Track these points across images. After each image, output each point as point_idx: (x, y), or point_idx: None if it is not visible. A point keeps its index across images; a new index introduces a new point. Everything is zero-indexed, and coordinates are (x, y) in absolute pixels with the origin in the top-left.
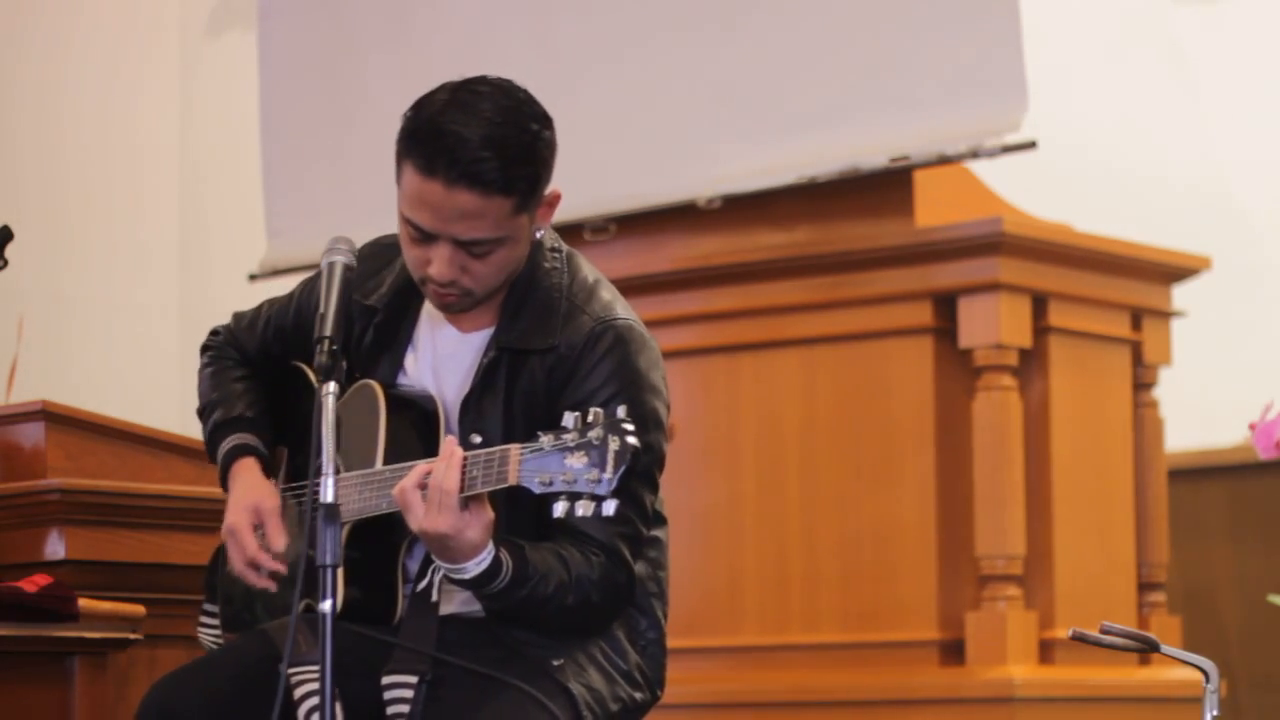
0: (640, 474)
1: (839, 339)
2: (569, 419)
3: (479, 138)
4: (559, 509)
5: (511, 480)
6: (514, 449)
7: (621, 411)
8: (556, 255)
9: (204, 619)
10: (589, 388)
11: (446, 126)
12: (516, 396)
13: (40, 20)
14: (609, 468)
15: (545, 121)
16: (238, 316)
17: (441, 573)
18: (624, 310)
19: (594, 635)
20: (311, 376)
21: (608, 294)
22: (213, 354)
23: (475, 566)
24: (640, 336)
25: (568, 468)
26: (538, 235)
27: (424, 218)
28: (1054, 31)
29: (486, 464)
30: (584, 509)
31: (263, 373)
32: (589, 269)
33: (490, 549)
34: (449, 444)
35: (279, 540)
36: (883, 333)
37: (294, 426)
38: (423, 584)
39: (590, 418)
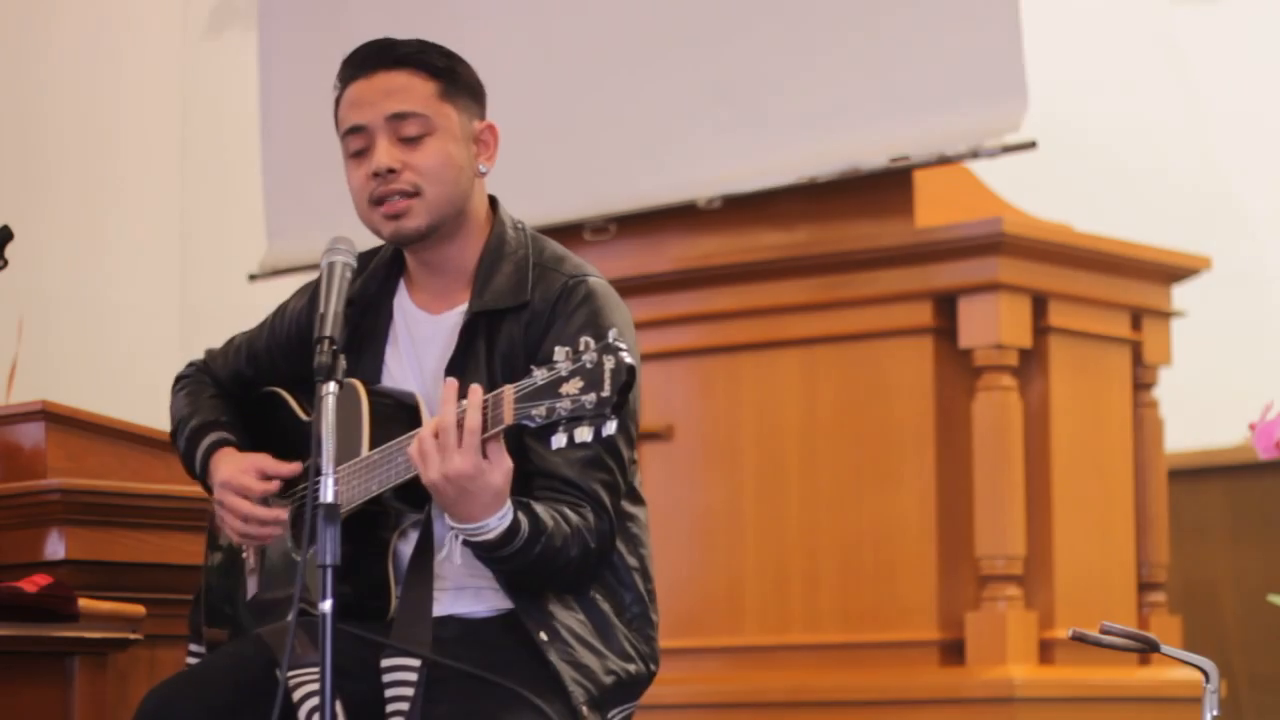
0: (619, 427)
1: (839, 339)
2: (559, 353)
3: (404, 43)
4: (559, 440)
5: (508, 420)
6: (507, 389)
7: (612, 335)
8: (520, 231)
9: (191, 660)
10: (567, 335)
11: (383, 39)
12: (497, 358)
13: (41, 20)
14: (606, 386)
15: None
16: (209, 352)
17: (460, 539)
18: (595, 272)
19: (585, 588)
20: (284, 395)
21: (577, 260)
22: (187, 380)
23: (498, 523)
24: (614, 295)
25: (564, 395)
26: (481, 170)
27: (356, 114)
28: (1054, 31)
29: (483, 409)
30: (583, 434)
31: (235, 399)
32: (556, 245)
33: (509, 505)
34: (473, 390)
35: (287, 470)
36: (883, 333)
37: (270, 447)
38: (441, 554)
39: (581, 346)
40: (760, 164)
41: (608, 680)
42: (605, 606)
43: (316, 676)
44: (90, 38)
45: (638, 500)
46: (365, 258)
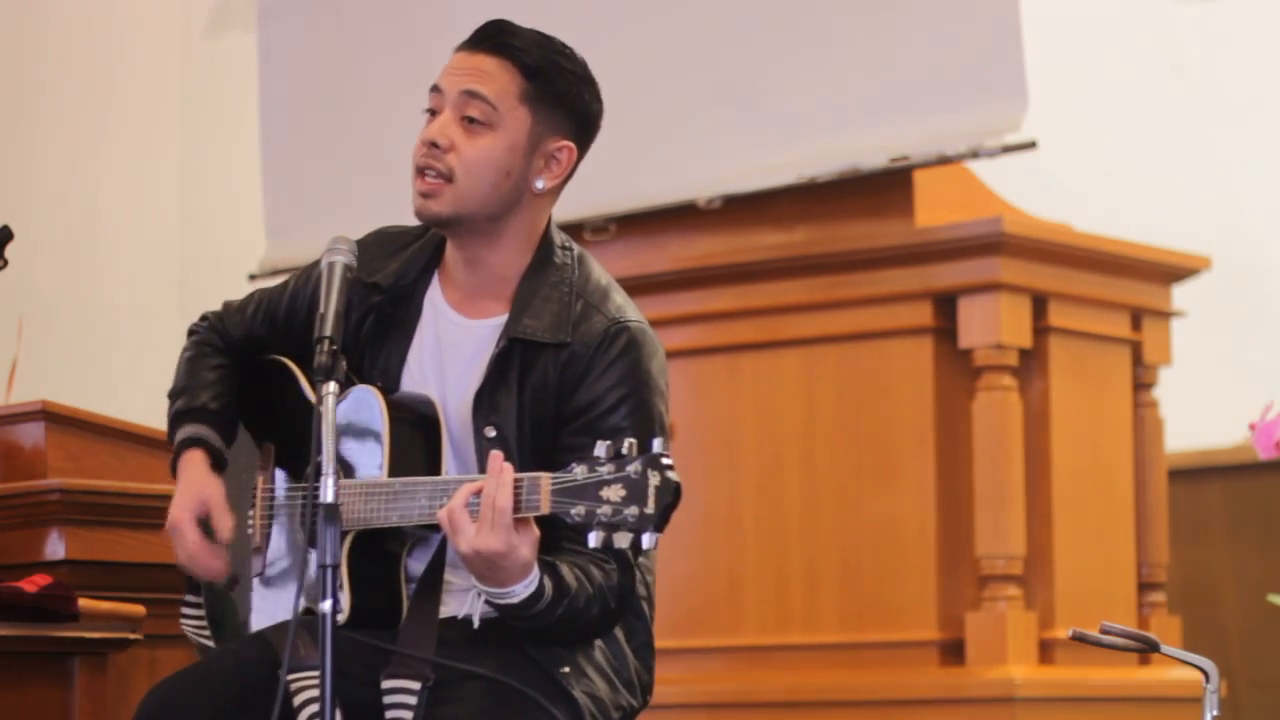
0: None
1: (839, 339)
2: (600, 448)
3: (523, 31)
4: (594, 539)
5: (544, 509)
6: (544, 478)
7: (658, 445)
8: (568, 252)
9: (186, 610)
10: (601, 387)
11: (508, 21)
12: (528, 390)
13: (41, 21)
14: (650, 503)
15: (591, 80)
16: (228, 304)
17: (483, 598)
18: (635, 314)
19: (600, 639)
20: (295, 370)
21: (620, 297)
22: (196, 339)
23: (523, 590)
24: (652, 341)
25: (603, 500)
26: (538, 186)
27: (442, 78)
28: (1054, 31)
29: (516, 489)
30: (622, 541)
31: (244, 362)
32: (601, 271)
33: (536, 572)
34: (496, 460)
35: (226, 530)
36: (883, 333)
37: (278, 422)
38: (463, 611)
39: (625, 449)
40: (760, 164)
41: (616, 715)
42: (620, 635)
43: (317, 681)
44: (90, 38)
45: None
46: (405, 239)
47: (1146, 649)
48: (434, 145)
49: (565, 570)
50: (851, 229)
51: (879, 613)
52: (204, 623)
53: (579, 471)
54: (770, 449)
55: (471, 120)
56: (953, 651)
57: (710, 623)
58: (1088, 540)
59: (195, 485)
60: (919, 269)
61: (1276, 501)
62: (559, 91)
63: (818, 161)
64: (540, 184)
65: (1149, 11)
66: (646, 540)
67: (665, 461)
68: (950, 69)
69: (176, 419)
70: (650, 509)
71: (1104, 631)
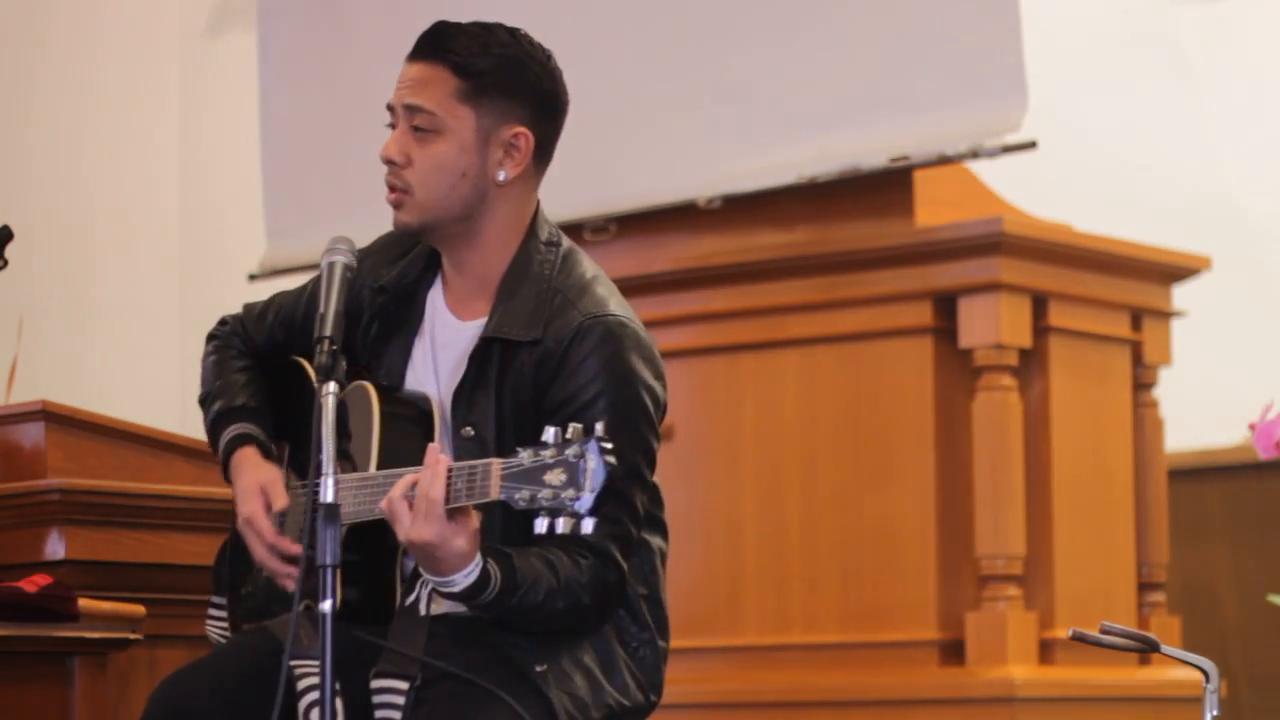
0: (629, 473)
1: (839, 339)
2: (549, 433)
3: (459, 29)
4: (540, 525)
5: (494, 495)
6: (495, 463)
7: (600, 428)
8: (552, 249)
9: (212, 612)
10: (576, 383)
11: (446, 22)
12: (506, 389)
13: (40, 20)
14: (585, 487)
15: (541, 59)
16: (248, 307)
17: (430, 586)
18: (618, 307)
19: (586, 635)
20: (308, 369)
21: (603, 290)
22: (217, 343)
23: (463, 579)
24: (633, 333)
25: (546, 484)
26: (500, 178)
27: (394, 92)
28: (1054, 31)
29: (470, 477)
30: (564, 525)
31: (266, 364)
32: (588, 265)
33: (478, 561)
34: (433, 452)
35: (281, 503)
36: (883, 333)
37: (294, 422)
38: (410, 598)
39: (569, 433)
40: (760, 164)
41: (597, 715)
42: (610, 635)
43: (318, 669)
44: (90, 37)
45: (656, 526)
46: (409, 241)
47: (1146, 649)
48: (390, 162)
49: (521, 561)
50: (851, 229)
51: (879, 613)
52: (227, 625)
53: (525, 456)
54: (770, 449)
55: (419, 130)
56: (953, 651)
57: (710, 623)
58: (1088, 540)
59: (255, 474)
60: (919, 269)
61: (1276, 501)
62: (499, 81)
63: (818, 161)
64: (502, 175)
65: (1149, 11)
66: (586, 525)
67: (605, 445)
68: (950, 69)
69: (218, 421)
70: (585, 493)
71: (1104, 631)
